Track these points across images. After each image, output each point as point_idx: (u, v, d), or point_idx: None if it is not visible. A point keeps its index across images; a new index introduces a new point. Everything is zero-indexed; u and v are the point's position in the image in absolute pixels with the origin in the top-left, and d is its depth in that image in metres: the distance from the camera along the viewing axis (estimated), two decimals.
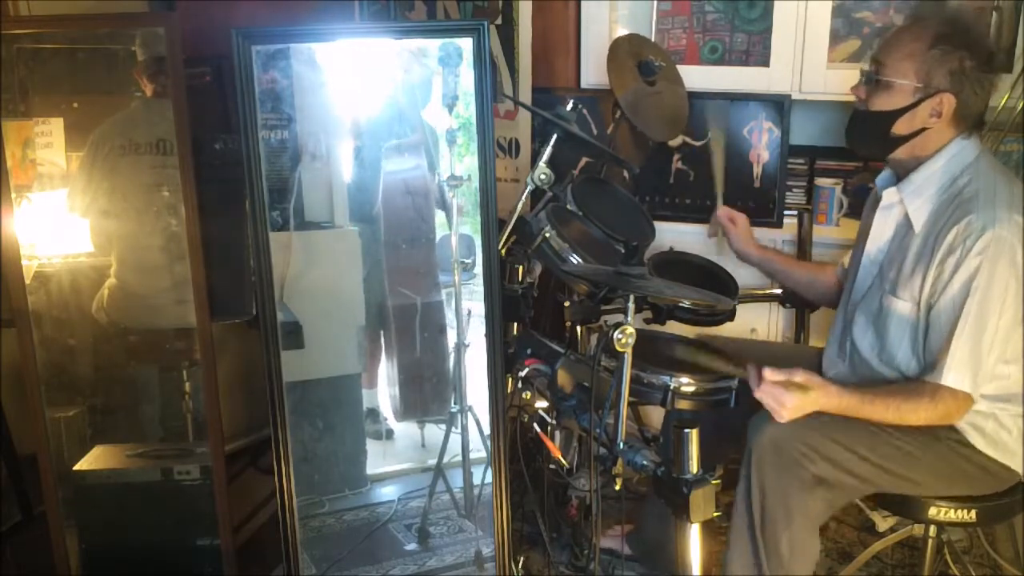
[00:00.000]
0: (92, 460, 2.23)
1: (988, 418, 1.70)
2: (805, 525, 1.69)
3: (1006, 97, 2.12)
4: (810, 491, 1.67)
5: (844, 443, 1.67)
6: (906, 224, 1.73)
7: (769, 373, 1.57)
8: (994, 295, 1.59)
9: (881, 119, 1.70)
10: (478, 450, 2.39)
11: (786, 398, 1.58)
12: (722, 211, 2.23)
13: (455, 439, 2.42)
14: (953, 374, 1.60)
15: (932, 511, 1.74)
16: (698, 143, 2.64)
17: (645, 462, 1.55)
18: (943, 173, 1.68)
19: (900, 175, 1.77)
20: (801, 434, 1.66)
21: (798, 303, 2.29)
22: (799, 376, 1.58)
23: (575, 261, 1.86)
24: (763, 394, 1.59)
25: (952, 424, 1.70)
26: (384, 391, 2.87)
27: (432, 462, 2.49)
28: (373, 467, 2.69)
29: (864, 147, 1.89)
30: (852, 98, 2.45)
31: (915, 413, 1.62)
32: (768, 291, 2.34)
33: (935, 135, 1.68)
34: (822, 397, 1.60)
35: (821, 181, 2.61)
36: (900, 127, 1.69)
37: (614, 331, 1.51)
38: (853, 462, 1.67)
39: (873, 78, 1.71)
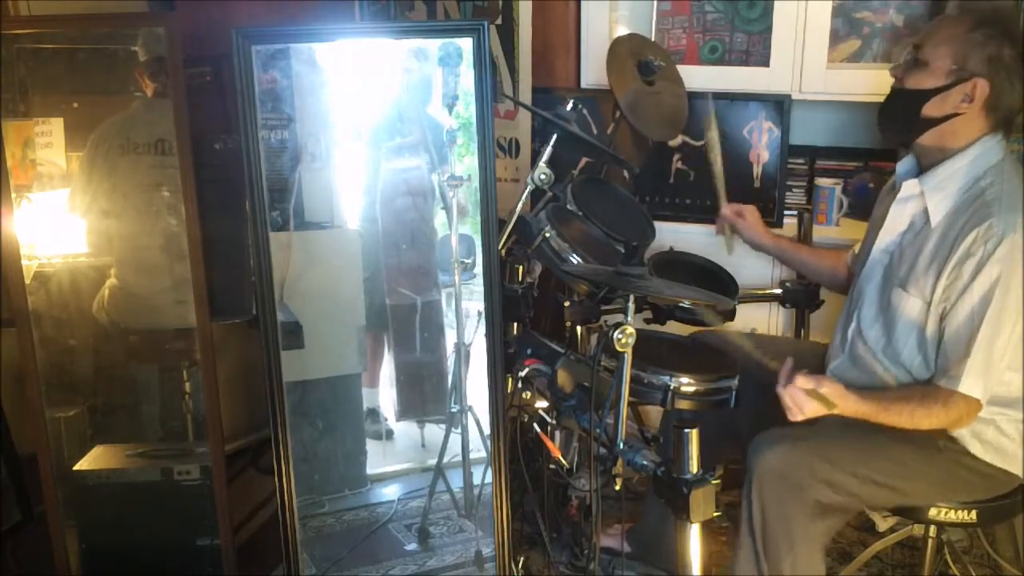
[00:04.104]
0: (92, 460, 2.23)
1: (988, 425, 1.69)
2: (808, 550, 1.68)
3: None
4: (812, 517, 1.66)
5: (844, 465, 1.66)
6: (923, 218, 1.71)
7: (802, 380, 1.57)
8: (1011, 303, 1.58)
9: (914, 98, 1.67)
10: (478, 450, 2.39)
11: (807, 406, 1.58)
12: (727, 208, 2.21)
13: (455, 439, 2.42)
14: (970, 381, 1.59)
15: (932, 512, 1.74)
16: (698, 143, 2.65)
17: (645, 462, 1.55)
18: (967, 171, 1.66)
19: (924, 166, 1.74)
20: (801, 460, 1.66)
21: (799, 302, 2.29)
22: (826, 387, 1.58)
23: (575, 261, 1.86)
24: (786, 395, 1.59)
25: (951, 433, 1.70)
26: (384, 391, 2.87)
27: (432, 462, 2.49)
28: (373, 467, 2.69)
29: (894, 128, 1.81)
30: (853, 98, 2.48)
31: (928, 419, 1.63)
32: (768, 291, 2.34)
33: (965, 124, 1.65)
34: (841, 407, 1.60)
35: (821, 181, 2.61)
36: (931, 108, 1.66)
37: (614, 331, 1.51)
38: (854, 483, 1.67)
39: (911, 57, 1.68)
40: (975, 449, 1.70)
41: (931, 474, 1.70)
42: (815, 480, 1.65)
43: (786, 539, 1.67)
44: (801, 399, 1.58)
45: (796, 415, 1.59)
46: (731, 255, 2.25)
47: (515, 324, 2.05)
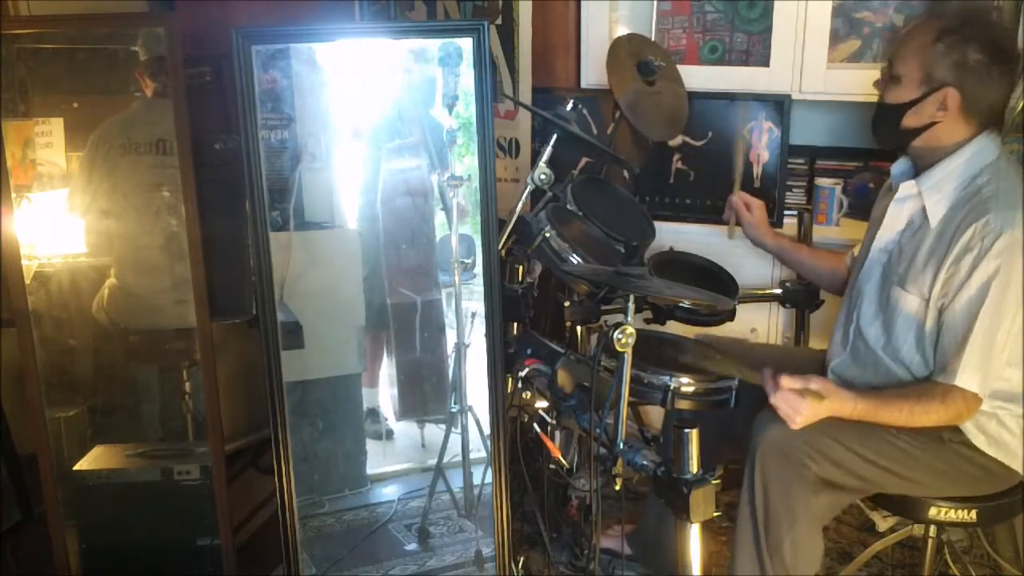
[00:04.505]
0: (92, 460, 2.23)
1: (991, 418, 1.70)
2: (809, 526, 1.68)
3: None
4: (813, 492, 1.67)
5: (847, 444, 1.67)
6: (921, 217, 1.72)
7: (787, 381, 1.57)
8: (1010, 298, 1.58)
9: (893, 112, 1.71)
10: (478, 450, 2.39)
11: (802, 406, 1.58)
12: (738, 197, 2.21)
13: (455, 439, 2.42)
14: (967, 376, 1.60)
15: (932, 511, 1.74)
16: (698, 143, 2.65)
17: (645, 462, 1.55)
18: (964, 170, 1.67)
19: (920, 167, 1.76)
20: (804, 436, 1.66)
21: (799, 302, 2.29)
22: (815, 383, 1.58)
23: (575, 261, 1.86)
24: (779, 401, 1.59)
25: (956, 425, 1.70)
26: (384, 391, 2.88)
27: (432, 462, 2.49)
28: (373, 467, 2.69)
29: (883, 138, 1.85)
30: (853, 99, 2.48)
31: (926, 415, 1.63)
32: (768, 291, 2.34)
33: (947, 129, 1.67)
34: (836, 404, 1.60)
35: (821, 181, 2.61)
36: (909, 120, 1.69)
37: (614, 331, 1.51)
38: (856, 463, 1.67)
39: (887, 72, 1.72)
40: (978, 441, 1.70)
41: (933, 464, 1.70)
42: (817, 455, 1.65)
43: (787, 515, 1.67)
44: (794, 400, 1.58)
45: (795, 419, 1.59)
46: (731, 240, 2.25)
47: (515, 324, 2.05)
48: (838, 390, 1.61)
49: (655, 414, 2.73)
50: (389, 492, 2.65)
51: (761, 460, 1.68)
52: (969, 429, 1.70)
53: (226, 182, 2.09)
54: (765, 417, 1.71)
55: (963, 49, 1.61)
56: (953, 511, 1.73)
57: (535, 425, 1.83)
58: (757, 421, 1.73)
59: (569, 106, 2.26)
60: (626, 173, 2.54)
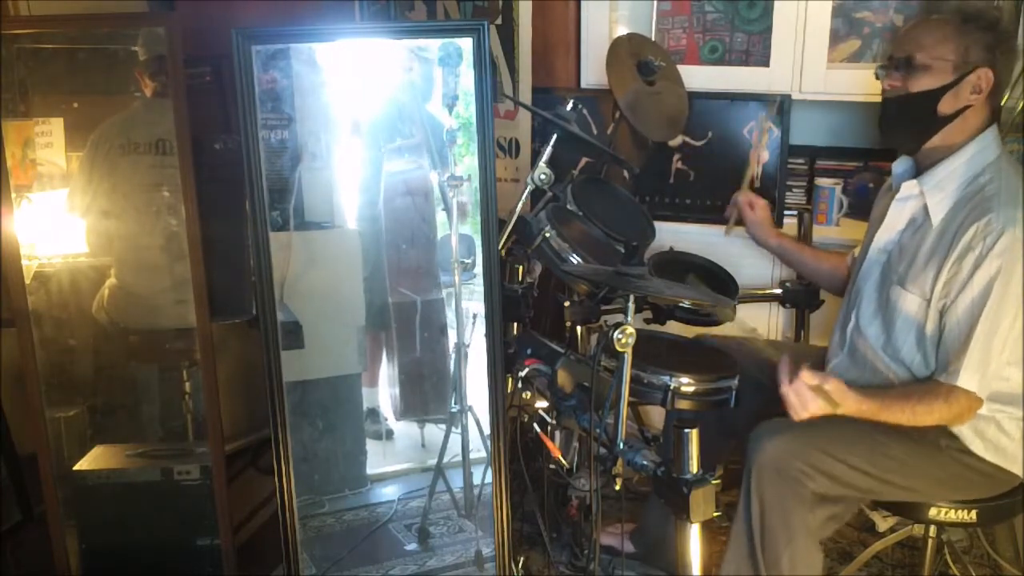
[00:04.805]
0: (92, 460, 2.23)
1: (989, 422, 1.69)
2: (806, 542, 1.68)
3: (1006, 97, 2.11)
4: (811, 508, 1.66)
5: (843, 458, 1.66)
6: (922, 216, 1.72)
7: (807, 375, 1.56)
8: (1010, 297, 1.58)
9: (925, 99, 1.68)
10: (478, 450, 2.39)
11: (811, 403, 1.57)
12: (744, 195, 2.23)
13: (455, 439, 2.42)
14: (968, 376, 1.60)
15: (932, 511, 1.74)
16: (698, 143, 2.65)
17: (645, 462, 1.55)
18: (966, 169, 1.67)
19: (922, 166, 1.75)
20: (800, 452, 1.66)
21: (799, 302, 2.29)
22: (831, 385, 1.58)
23: (575, 261, 1.86)
24: (791, 391, 1.58)
25: (952, 431, 1.70)
26: (384, 391, 2.88)
27: (432, 462, 2.49)
28: (373, 467, 2.69)
29: (904, 134, 1.77)
30: (853, 99, 2.47)
31: (929, 415, 1.63)
32: (768, 291, 2.34)
33: (973, 116, 1.67)
34: (843, 405, 1.60)
35: (821, 181, 2.61)
36: (945, 105, 1.67)
37: (614, 331, 1.51)
38: (853, 476, 1.67)
39: (907, 64, 1.69)
40: (976, 447, 1.70)
41: (932, 472, 1.70)
42: (815, 471, 1.65)
43: (785, 531, 1.67)
44: (806, 395, 1.57)
45: (801, 413, 1.58)
46: (727, 237, 2.27)
47: (515, 324, 2.05)
48: (848, 392, 1.60)
49: (655, 414, 2.73)
50: (389, 492, 2.65)
51: (757, 477, 1.68)
52: (966, 434, 1.70)
53: (226, 182, 2.09)
54: (759, 434, 1.71)
55: (989, 32, 1.63)
56: (953, 511, 1.73)
57: (535, 425, 1.83)
58: (752, 436, 1.72)
59: (569, 106, 2.26)
60: (626, 173, 2.54)
